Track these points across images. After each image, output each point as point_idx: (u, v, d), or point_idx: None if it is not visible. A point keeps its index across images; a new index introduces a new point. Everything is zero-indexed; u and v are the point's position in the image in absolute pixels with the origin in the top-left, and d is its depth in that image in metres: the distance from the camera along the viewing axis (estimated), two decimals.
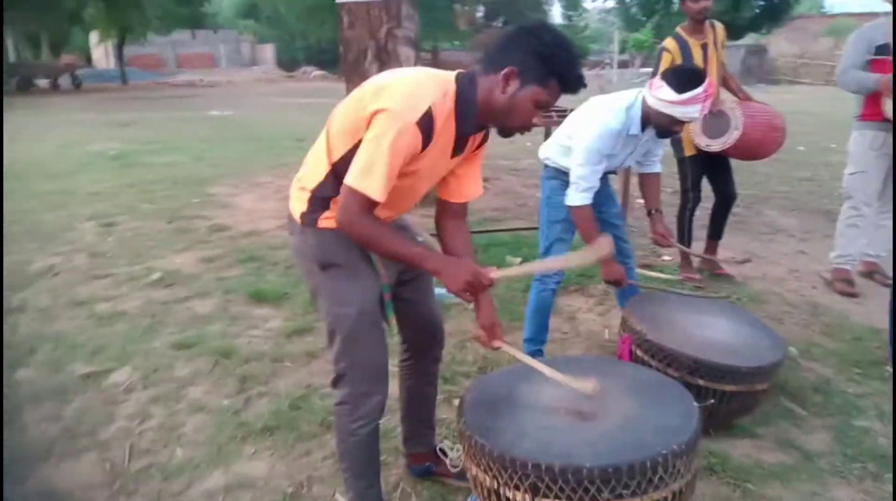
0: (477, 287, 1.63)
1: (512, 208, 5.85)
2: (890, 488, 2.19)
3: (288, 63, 37.20)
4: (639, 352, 2.44)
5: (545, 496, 1.45)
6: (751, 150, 3.66)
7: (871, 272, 4.09)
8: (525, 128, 1.63)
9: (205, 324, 3.44)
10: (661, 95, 2.43)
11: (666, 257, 4.46)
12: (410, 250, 1.60)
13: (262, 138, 10.44)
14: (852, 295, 3.87)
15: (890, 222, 3.88)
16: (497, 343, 1.80)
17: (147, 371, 2.94)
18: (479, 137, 1.73)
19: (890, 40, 3.51)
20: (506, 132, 1.65)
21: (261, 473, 2.25)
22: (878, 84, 3.48)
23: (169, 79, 29.47)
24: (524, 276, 1.77)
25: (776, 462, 2.33)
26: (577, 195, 2.59)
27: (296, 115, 14.26)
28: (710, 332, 2.51)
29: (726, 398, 2.32)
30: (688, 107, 2.40)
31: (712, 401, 2.23)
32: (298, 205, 1.69)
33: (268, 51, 39.34)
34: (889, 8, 3.68)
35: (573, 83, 1.54)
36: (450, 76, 1.59)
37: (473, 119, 1.60)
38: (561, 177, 2.71)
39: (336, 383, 1.77)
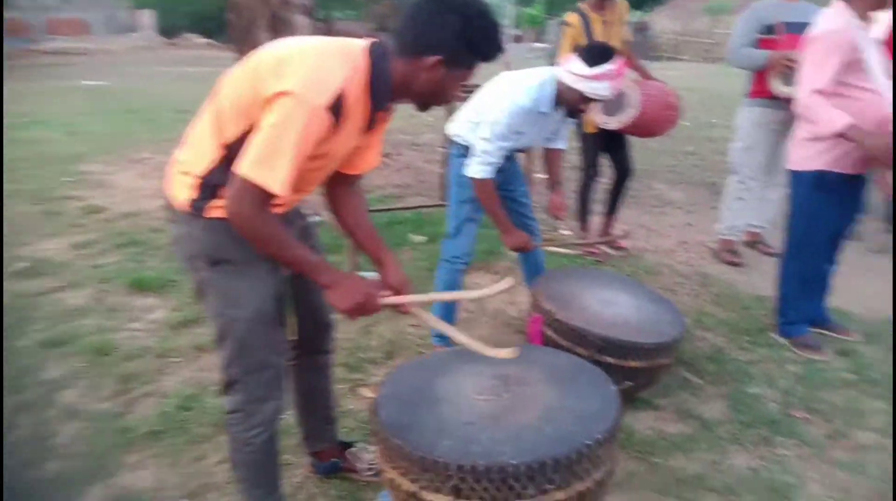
0: (367, 310, 1.51)
1: (414, 184, 5.73)
2: (782, 451, 2.30)
3: (169, 30, 34.86)
4: (549, 331, 2.42)
5: (467, 497, 1.37)
6: (647, 128, 3.72)
7: (754, 243, 4.31)
8: (447, 103, 1.54)
9: (78, 318, 3.12)
10: (572, 69, 2.42)
11: (565, 232, 4.52)
12: (305, 258, 1.46)
13: (142, 110, 9.72)
14: (738, 265, 4.07)
15: (773, 195, 4.10)
16: (408, 303, 1.64)
17: (11, 374, 2.62)
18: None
19: (779, 21, 3.65)
20: (425, 108, 1.54)
21: (148, 484, 2.04)
22: (767, 61, 3.62)
23: (37, 46, 26.89)
24: (420, 305, 1.65)
25: (677, 432, 2.39)
26: (479, 168, 2.54)
27: (178, 85, 13.39)
28: (616, 309, 2.52)
29: (632, 374, 2.34)
30: (597, 82, 2.38)
31: (630, 384, 2.24)
32: (183, 191, 1.49)
33: (146, 17, 36.68)
34: None
35: (495, 57, 1.46)
36: (358, 47, 1.44)
37: (388, 96, 1.47)
38: (469, 154, 2.62)
39: (227, 390, 1.60)
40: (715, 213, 4.69)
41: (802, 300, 3.03)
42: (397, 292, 1.65)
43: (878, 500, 2.06)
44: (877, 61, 2.62)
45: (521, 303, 3.37)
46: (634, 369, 2.33)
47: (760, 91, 3.79)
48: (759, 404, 2.58)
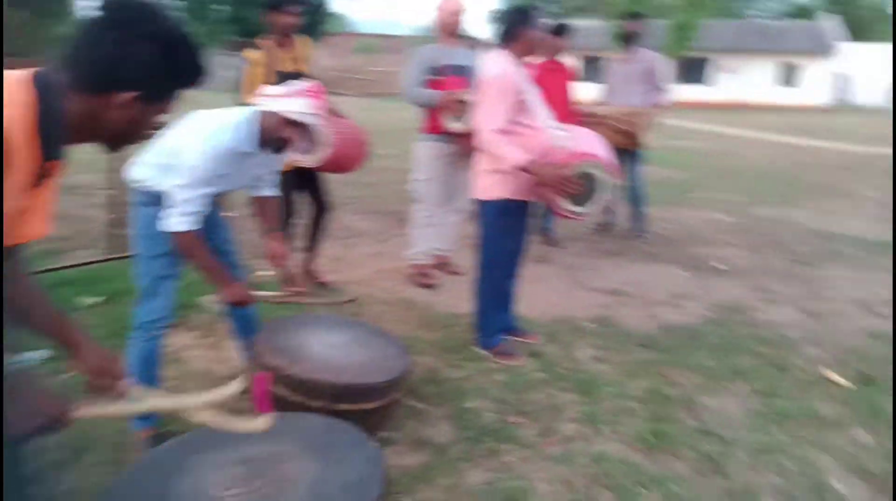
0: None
1: (76, 235, 4.88)
2: (507, 458, 2.47)
3: None
4: (278, 388, 2.24)
5: None
6: (341, 164, 3.76)
7: (443, 265, 4.65)
8: (142, 141, 1.29)
9: None
10: (266, 93, 2.32)
11: (263, 273, 4.31)
12: None
13: None
14: (432, 287, 4.34)
15: (453, 220, 4.48)
16: (123, 389, 1.31)
17: None
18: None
19: (445, 63, 4.01)
20: (115, 149, 1.29)
21: None
22: (439, 100, 3.94)
23: None
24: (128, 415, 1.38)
25: (416, 463, 2.41)
26: (179, 219, 2.24)
27: None
28: (343, 352, 2.46)
29: (369, 415, 2.30)
30: (296, 100, 2.28)
31: (388, 433, 2.19)
32: None
33: None
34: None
35: (200, 83, 1.27)
36: (13, 78, 1.12)
37: (64, 139, 1.17)
38: (161, 202, 2.30)
39: None
40: (403, 239, 4.95)
41: (496, 313, 3.34)
42: (104, 375, 1.33)
43: (592, 483, 2.33)
44: (535, 100, 3.03)
45: (230, 360, 3.10)
46: (371, 410, 2.30)
47: (434, 127, 4.12)
48: (479, 417, 2.75)
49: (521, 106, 2.94)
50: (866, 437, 2.62)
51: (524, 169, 2.86)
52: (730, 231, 6.22)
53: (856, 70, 31.42)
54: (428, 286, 4.35)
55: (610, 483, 2.34)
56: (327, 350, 2.45)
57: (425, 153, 4.23)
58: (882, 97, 31.26)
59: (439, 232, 4.45)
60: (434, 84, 4.02)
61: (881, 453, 2.51)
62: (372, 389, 2.28)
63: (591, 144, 3.08)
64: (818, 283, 4.66)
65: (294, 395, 2.21)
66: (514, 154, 2.86)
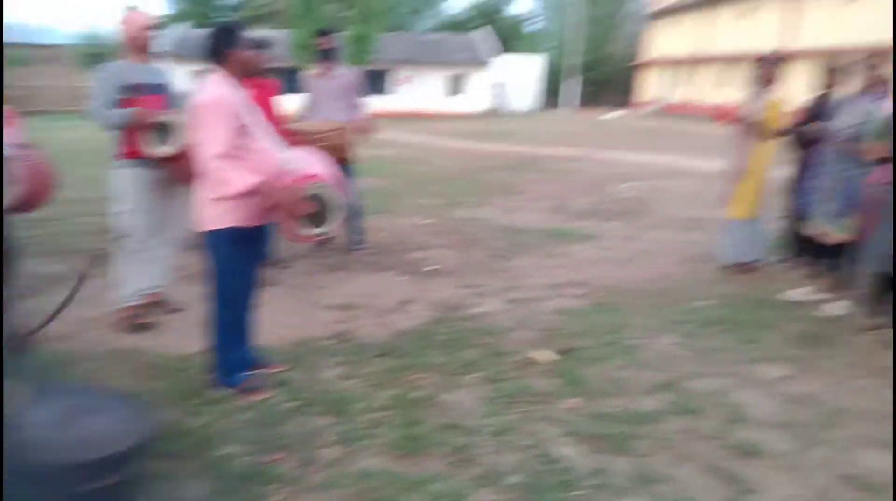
0: None
1: None
2: (274, 499, 2.41)
3: None
4: None
5: None
6: (30, 202, 3.18)
7: (158, 303, 4.25)
8: None
9: None
10: None
11: None
12: None
13: None
14: (149, 329, 3.96)
15: (164, 253, 4.11)
16: None
17: None
18: None
19: (138, 81, 3.69)
20: None
21: None
22: (135, 121, 3.60)
23: None
24: None
25: None
26: None
27: None
28: (67, 424, 2.13)
29: (115, 491, 2.04)
30: None
31: None
32: None
33: None
34: None
35: None
36: None
37: None
38: None
39: None
40: (102, 280, 4.42)
41: (235, 349, 3.19)
42: None
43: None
44: (257, 123, 2.96)
45: None
46: (116, 484, 2.04)
47: (133, 152, 3.75)
48: (234, 463, 2.62)
49: (242, 129, 2.85)
50: (576, 402, 3.13)
51: (254, 193, 2.79)
52: (434, 234, 6.79)
53: (508, 78, 36.30)
54: (145, 329, 3.96)
55: (377, 497, 2.42)
56: (47, 427, 2.10)
57: (126, 181, 3.83)
58: (529, 102, 36.74)
59: (151, 267, 4.06)
60: (128, 104, 3.66)
61: (590, 415, 3.02)
62: (114, 460, 2.02)
63: (317, 165, 3.11)
64: (514, 273, 5.36)
65: (19, 486, 1.86)
66: (242, 179, 2.77)
